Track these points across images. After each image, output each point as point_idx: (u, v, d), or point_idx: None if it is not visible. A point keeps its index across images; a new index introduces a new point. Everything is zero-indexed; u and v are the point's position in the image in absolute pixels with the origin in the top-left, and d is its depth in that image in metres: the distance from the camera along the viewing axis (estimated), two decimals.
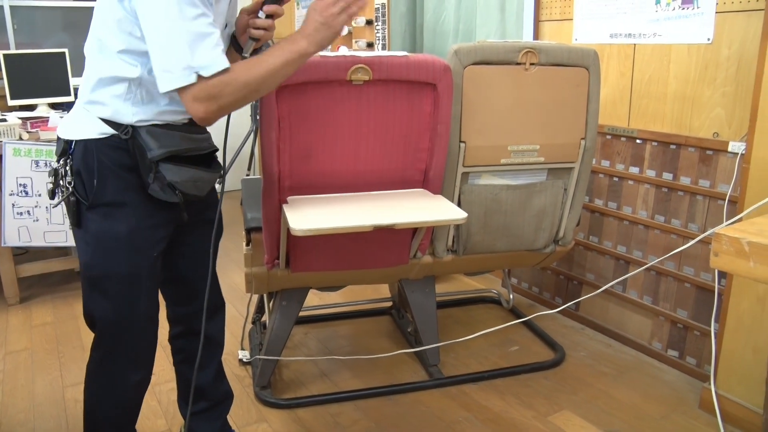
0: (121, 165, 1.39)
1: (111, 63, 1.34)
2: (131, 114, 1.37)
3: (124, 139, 1.38)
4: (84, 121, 1.40)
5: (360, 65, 1.77)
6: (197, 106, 1.27)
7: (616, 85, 2.48)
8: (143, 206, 1.42)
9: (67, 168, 1.40)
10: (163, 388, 2.23)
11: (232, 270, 3.23)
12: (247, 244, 2.05)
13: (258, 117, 1.66)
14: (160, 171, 1.38)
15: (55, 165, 1.43)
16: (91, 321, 1.50)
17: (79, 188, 1.40)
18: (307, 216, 1.68)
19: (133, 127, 1.38)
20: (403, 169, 1.97)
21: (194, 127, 1.45)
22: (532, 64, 2.00)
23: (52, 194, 1.43)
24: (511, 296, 2.86)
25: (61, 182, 1.41)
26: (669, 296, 2.43)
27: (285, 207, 1.75)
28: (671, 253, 2.29)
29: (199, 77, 1.25)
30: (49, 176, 1.44)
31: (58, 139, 1.44)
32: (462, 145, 2.05)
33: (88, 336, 1.77)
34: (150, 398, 2.18)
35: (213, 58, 1.25)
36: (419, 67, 1.83)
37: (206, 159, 1.48)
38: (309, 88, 1.76)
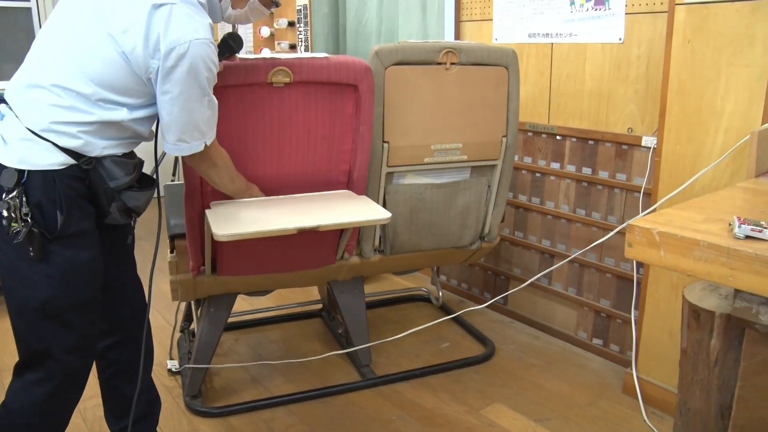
0: (81, 195, 1.42)
1: (94, 106, 1.38)
2: (101, 148, 1.42)
3: (85, 170, 1.41)
4: (39, 150, 1.37)
5: (280, 67, 1.77)
6: (201, 163, 1.60)
7: (535, 83, 2.54)
8: (96, 233, 1.47)
9: (23, 199, 1.36)
10: (87, 404, 2.15)
11: (158, 277, 3.15)
12: (171, 251, 2.03)
13: None
14: (122, 198, 1.45)
15: (6, 197, 1.36)
16: (40, 357, 1.45)
17: (40, 220, 1.37)
18: (230, 221, 1.66)
19: (95, 158, 1.41)
20: (327, 170, 1.97)
21: (135, 154, 1.54)
22: (452, 63, 2.03)
23: (8, 228, 1.36)
24: (440, 293, 2.89)
25: (14, 214, 1.35)
26: (592, 287, 2.49)
27: (208, 212, 1.73)
28: (592, 245, 2.35)
29: (205, 145, 1.53)
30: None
31: (1, 167, 1.38)
32: (385, 145, 2.05)
33: None
34: (74, 416, 2.08)
35: (214, 131, 1.55)
36: (340, 69, 1.84)
37: (145, 177, 1.56)
38: (229, 91, 1.74)
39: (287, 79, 1.78)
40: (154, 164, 1.64)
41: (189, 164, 1.64)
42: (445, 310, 2.90)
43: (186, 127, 1.47)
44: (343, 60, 1.85)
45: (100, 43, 1.36)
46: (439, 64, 2.02)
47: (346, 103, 1.90)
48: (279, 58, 1.78)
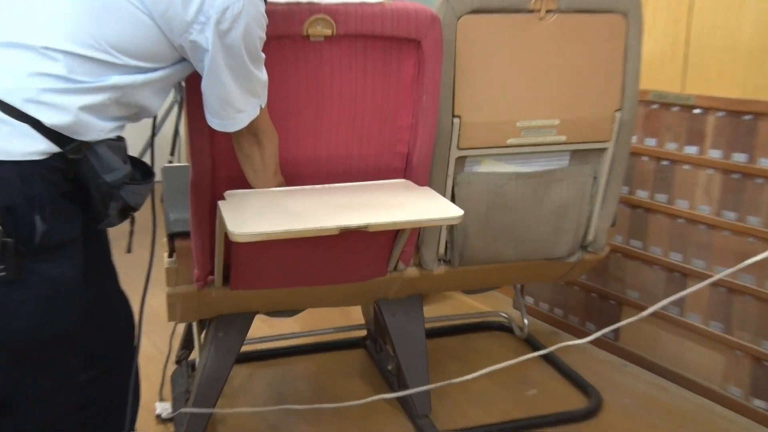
0: (65, 194, 1.46)
1: (103, 73, 1.44)
2: (98, 130, 1.47)
3: (71, 160, 1.44)
4: (12, 134, 1.38)
5: (319, 15, 1.79)
6: (244, 140, 1.70)
7: (664, 35, 2.52)
8: (81, 242, 1.52)
9: None
10: None
11: (149, 290, 3.18)
12: (170, 255, 2.06)
13: (183, 84, 1.77)
14: (122, 196, 1.50)
15: None
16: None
17: (13, 228, 1.38)
18: (251, 216, 1.69)
19: (86, 144, 1.46)
20: (378, 154, 2.01)
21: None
22: (548, 11, 2.05)
23: None
24: (526, 321, 2.90)
25: None
26: (748, 322, 2.43)
27: (221, 204, 1.75)
28: (747, 262, 2.11)
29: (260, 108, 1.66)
30: None
31: None
32: (456, 120, 2.08)
33: None
34: None
35: (266, 93, 1.68)
36: (398, 18, 1.85)
37: (140, 165, 1.63)
38: None
39: (328, 31, 1.80)
40: (149, 141, 1.73)
41: (233, 143, 1.74)
42: (531, 344, 2.92)
43: (244, 96, 1.59)
44: (402, 6, 1.86)
45: (130, 14, 1.45)
46: (531, 11, 2.03)
47: (405, 63, 1.92)
48: (318, 3, 1.80)
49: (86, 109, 1.43)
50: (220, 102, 1.59)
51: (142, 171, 1.61)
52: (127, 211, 1.56)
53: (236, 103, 1.59)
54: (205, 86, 1.58)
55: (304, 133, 1.92)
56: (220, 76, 1.54)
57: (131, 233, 1.68)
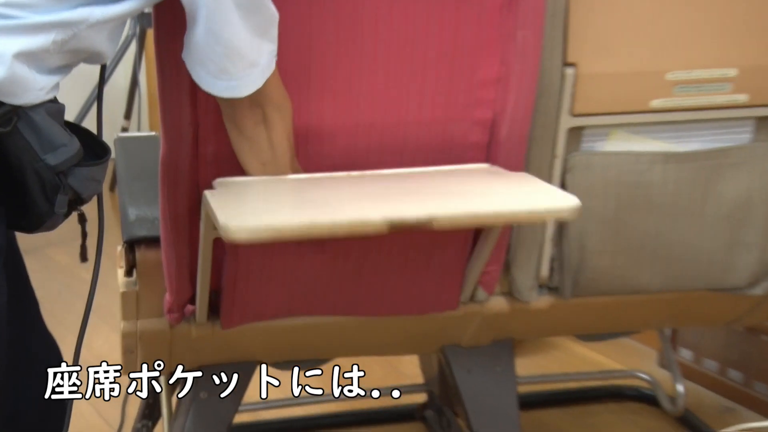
0: None
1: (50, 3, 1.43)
2: (38, 88, 1.47)
3: None
4: None
5: None
6: (246, 117, 1.73)
7: None
8: (3, 255, 1.57)
9: None
10: None
11: (92, 327, 3.20)
12: (129, 273, 2.05)
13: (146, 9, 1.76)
14: (70, 184, 1.52)
15: None
16: None
17: None
18: (254, 208, 1.68)
19: (20, 110, 1.45)
20: (445, 122, 1.95)
21: None
22: None
23: None
24: (680, 388, 2.85)
25: None
26: None
27: (208, 195, 1.73)
28: None
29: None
30: None
31: None
32: (569, 71, 1.99)
33: None
34: None
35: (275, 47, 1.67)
36: None
37: (88, 137, 1.64)
38: None
39: None
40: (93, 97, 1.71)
41: (226, 125, 1.73)
42: (689, 425, 2.90)
43: (256, 40, 1.58)
44: None
45: None
46: None
47: None
48: None
49: (23, 57, 1.41)
50: (226, 52, 1.54)
51: (89, 145, 1.59)
52: (74, 206, 1.57)
53: (247, 51, 1.55)
54: (205, 30, 1.53)
55: (333, 95, 1.89)
56: (227, 12, 1.51)
57: (84, 235, 1.71)
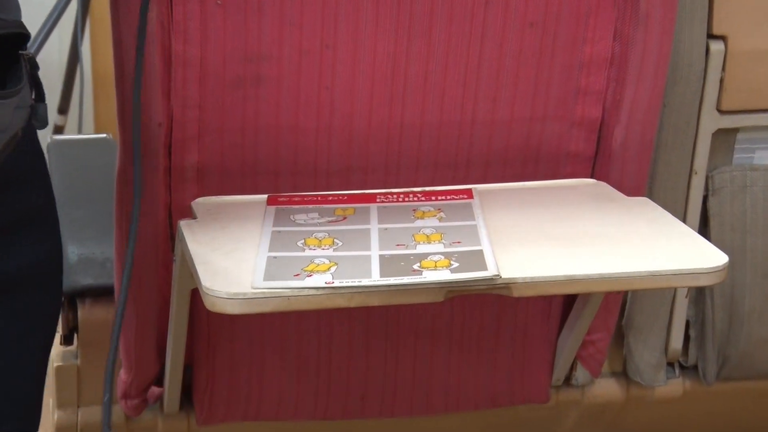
0: None
1: None
2: None
3: None
4: None
5: None
6: None
7: None
8: None
9: None
10: None
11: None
12: (66, 340, 1.86)
13: None
14: None
15: None
16: None
17: None
18: (253, 249, 1.48)
19: None
20: (534, 120, 1.78)
21: None
22: None
23: None
24: None
25: None
26: None
27: (184, 227, 1.55)
28: None
29: None
30: None
31: None
32: (715, 47, 1.86)
33: None
34: None
35: None
36: None
37: None
38: None
39: None
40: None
41: None
42: None
43: None
44: None
45: None
46: None
47: None
48: None
49: None
50: None
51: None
52: None
53: None
54: None
55: (359, 73, 1.70)
56: None
57: None
